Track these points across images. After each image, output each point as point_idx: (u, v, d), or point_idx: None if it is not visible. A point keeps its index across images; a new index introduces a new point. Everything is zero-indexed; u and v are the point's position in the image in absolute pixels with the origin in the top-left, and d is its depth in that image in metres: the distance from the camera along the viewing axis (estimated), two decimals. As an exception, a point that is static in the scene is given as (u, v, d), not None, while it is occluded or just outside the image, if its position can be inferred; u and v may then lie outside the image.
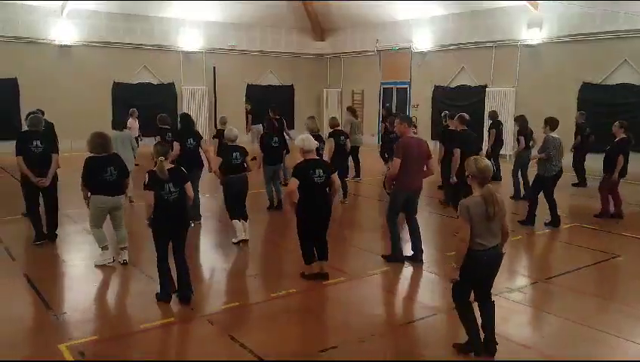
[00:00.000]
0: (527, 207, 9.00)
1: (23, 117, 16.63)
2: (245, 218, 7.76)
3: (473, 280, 4.43)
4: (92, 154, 6.54)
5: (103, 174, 6.47)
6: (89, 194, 6.57)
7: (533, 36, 15.95)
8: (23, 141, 7.32)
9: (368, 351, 4.69)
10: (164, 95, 19.53)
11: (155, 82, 19.54)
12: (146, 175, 5.44)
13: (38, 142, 7.31)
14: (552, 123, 8.76)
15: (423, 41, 18.97)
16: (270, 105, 13.71)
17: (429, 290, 6.38)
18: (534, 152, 9.32)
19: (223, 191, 7.79)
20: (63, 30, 17.58)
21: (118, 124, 9.97)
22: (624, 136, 9.22)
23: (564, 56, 15.33)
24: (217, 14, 20.12)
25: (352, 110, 14.15)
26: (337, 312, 5.62)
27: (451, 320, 5.33)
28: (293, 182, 5.90)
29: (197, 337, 5.09)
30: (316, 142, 6.35)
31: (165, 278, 5.61)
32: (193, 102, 20.19)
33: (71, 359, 4.43)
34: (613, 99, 14.19)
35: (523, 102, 16.05)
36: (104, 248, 6.73)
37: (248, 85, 21.36)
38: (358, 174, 12.96)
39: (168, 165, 5.55)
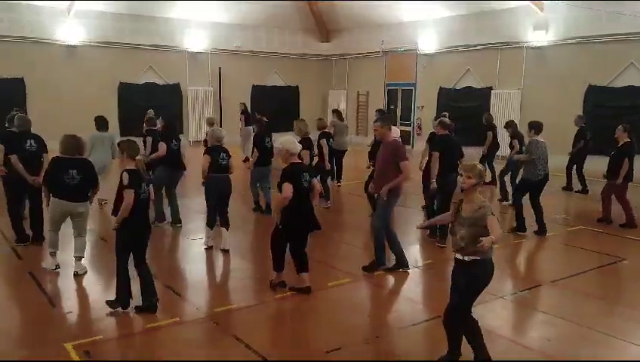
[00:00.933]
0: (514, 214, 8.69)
1: (29, 117, 16.79)
2: (227, 225, 7.47)
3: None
4: (59, 155, 6.30)
5: (64, 176, 6.18)
6: (50, 195, 6.35)
7: (539, 38, 15.91)
8: (17, 140, 7.29)
9: (373, 353, 4.70)
10: (170, 95, 19.59)
11: (160, 82, 19.60)
12: (126, 174, 5.18)
13: (32, 142, 7.33)
14: (536, 127, 8.50)
15: (428, 42, 18.96)
16: (258, 108, 13.73)
17: (431, 293, 6.38)
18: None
19: (205, 193, 7.47)
20: (70, 30, 17.66)
21: (103, 124, 9.60)
22: (628, 140, 9.06)
23: (570, 58, 15.29)
24: (223, 15, 20.16)
25: (338, 112, 13.92)
26: (342, 313, 5.62)
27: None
28: (289, 187, 5.56)
29: (202, 337, 5.10)
30: (300, 145, 6.07)
31: (128, 285, 5.41)
32: (198, 103, 20.25)
33: (77, 359, 4.46)
34: (619, 101, 14.12)
35: (528, 104, 16.02)
36: (51, 254, 6.51)
37: (253, 86, 21.40)
38: (339, 179, 12.62)
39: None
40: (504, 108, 16.83)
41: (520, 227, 8.51)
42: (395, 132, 10.73)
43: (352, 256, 7.64)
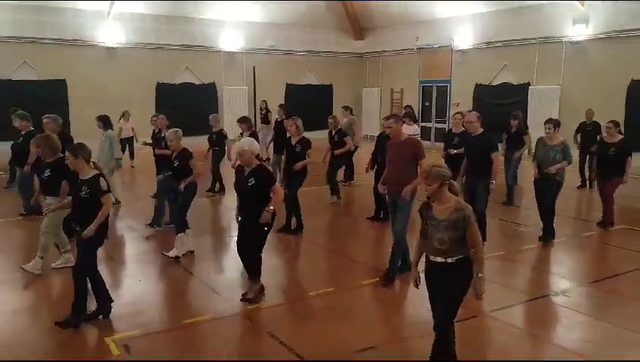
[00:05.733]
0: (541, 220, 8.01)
1: (71, 117, 17.34)
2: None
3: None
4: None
5: (42, 174, 6.41)
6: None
7: (579, 32, 15.50)
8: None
9: (407, 352, 4.68)
10: (206, 95, 19.87)
11: (196, 82, 19.91)
12: (102, 179, 5.05)
13: None
14: (559, 125, 7.82)
15: (463, 38, 18.70)
16: (279, 104, 13.68)
17: (468, 292, 6.30)
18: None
19: (189, 195, 7.10)
20: (110, 32, 18.12)
21: (106, 123, 9.64)
22: None
23: (612, 53, 14.84)
24: (257, 15, 20.35)
25: (350, 108, 13.40)
26: (377, 312, 5.61)
27: (490, 323, 5.28)
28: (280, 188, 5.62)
29: (237, 334, 5.19)
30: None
31: (105, 288, 5.34)
32: (233, 102, 20.47)
33: (117, 352, 4.59)
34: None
35: (568, 101, 15.64)
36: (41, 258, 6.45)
37: (287, 85, 21.53)
38: (351, 177, 12.40)
39: None
40: (543, 104, 16.45)
41: (552, 233, 7.96)
42: (415, 130, 10.77)
43: (387, 254, 7.61)
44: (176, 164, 7.08)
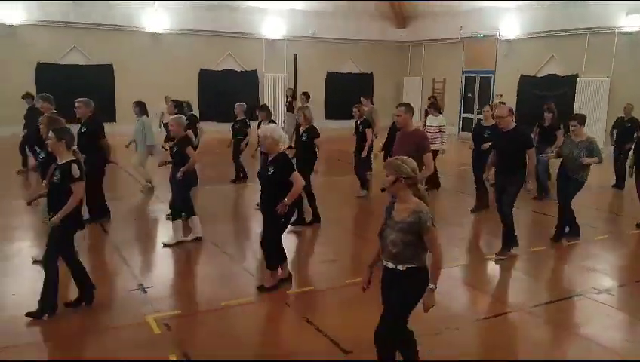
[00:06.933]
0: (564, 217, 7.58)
1: (117, 102, 17.80)
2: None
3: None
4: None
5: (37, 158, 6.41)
6: None
7: (632, 23, 14.89)
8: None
9: (442, 344, 4.65)
10: (247, 82, 20.04)
11: (238, 69, 20.10)
12: (75, 166, 4.83)
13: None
14: (584, 121, 7.39)
15: (510, 28, 18.24)
16: (302, 92, 13.50)
17: (508, 286, 6.23)
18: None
19: (185, 185, 7.02)
20: (155, 19, 18.46)
21: (142, 108, 9.71)
22: None
23: (667, 44, 14.23)
24: (300, 2, 20.34)
25: (370, 97, 12.71)
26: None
27: (529, 319, 5.20)
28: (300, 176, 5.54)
29: (274, 318, 5.27)
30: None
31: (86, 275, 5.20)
32: (274, 90, 20.59)
33: (158, 331, 4.73)
34: None
35: (618, 94, 15.07)
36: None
37: (328, 73, 21.49)
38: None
39: None
40: (591, 97, 15.94)
41: (577, 230, 7.65)
42: (441, 120, 10.58)
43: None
44: (175, 149, 7.00)
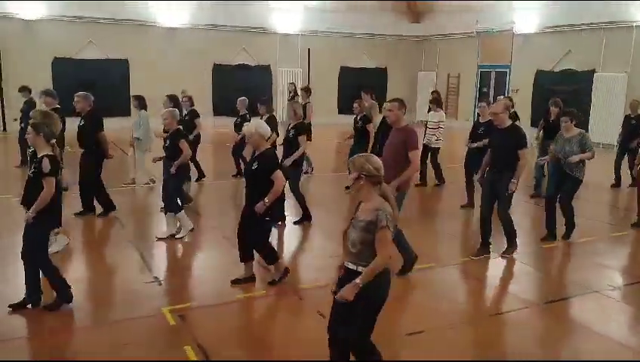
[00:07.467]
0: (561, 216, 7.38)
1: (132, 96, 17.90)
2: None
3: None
4: None
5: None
6: None
7: (651, 17, 14.68)
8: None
9: (455, 338, 4.65)
10: (261, 77, 20.07)
11: (252, 64, 20.13)
12: (47, 160, 4.69)
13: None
14: (575, 117, 7.19)
15: (526, 23, 18.04)
16: (303, 87, 13.34)
17: (521, 282, 6.19)
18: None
19: (178, 178, 7.05)
20: (170, 13, 18.53)
21: (141, 103, 9.71)
22: None
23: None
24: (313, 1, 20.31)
25: (370, 92, 12.25)
26: (427, 298, 5.59)
27: (542, 315, 5.18)
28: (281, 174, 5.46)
29: (287, 311, 5.30)
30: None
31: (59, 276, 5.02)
32: (287, 84, 20.53)
33: (173, 322, 4.77)
34: None
35: (636, 89, 14.84)
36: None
37: (342, 67, 21.44)
38: None
39: None
40: (609, 92, 15.73)
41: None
42: (441, 116, 10.48)
43: (438, 242, 7.56)
44: (167, 143, 7.00)
